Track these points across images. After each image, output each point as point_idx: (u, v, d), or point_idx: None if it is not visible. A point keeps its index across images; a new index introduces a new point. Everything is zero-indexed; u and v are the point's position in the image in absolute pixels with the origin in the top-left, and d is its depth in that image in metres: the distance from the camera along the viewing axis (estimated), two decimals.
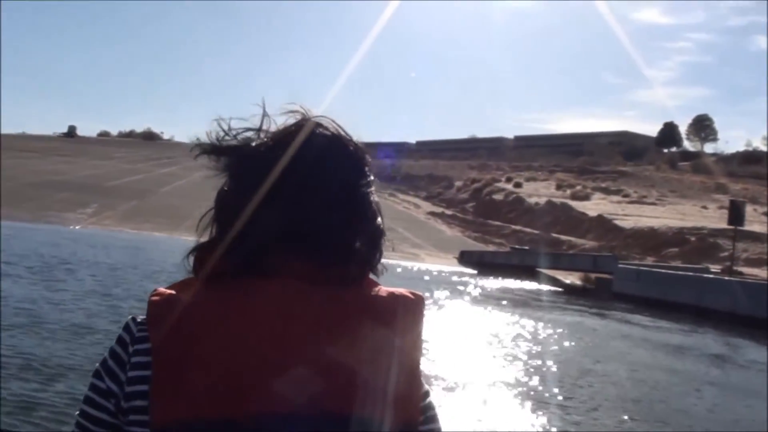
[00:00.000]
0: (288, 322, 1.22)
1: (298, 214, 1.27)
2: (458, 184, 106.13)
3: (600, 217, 74.82)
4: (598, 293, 39.94)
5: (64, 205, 63.19)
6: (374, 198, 1.37)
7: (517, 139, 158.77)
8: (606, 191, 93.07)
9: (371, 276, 1.35)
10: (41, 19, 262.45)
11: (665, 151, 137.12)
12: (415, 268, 48.78)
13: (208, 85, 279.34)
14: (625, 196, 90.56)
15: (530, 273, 47.47)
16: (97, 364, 1.31)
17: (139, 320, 1.30)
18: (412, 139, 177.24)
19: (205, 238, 1.34)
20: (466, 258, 57.08)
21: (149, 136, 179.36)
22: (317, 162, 1.31)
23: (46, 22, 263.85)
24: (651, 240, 64.56)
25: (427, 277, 42.11)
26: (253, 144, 1.34)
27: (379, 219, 1.36)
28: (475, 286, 37.86)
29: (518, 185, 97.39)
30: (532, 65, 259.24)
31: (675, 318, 29.54)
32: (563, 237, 69.50)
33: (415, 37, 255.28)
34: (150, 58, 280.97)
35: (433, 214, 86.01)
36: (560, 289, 43.64)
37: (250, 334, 1.20)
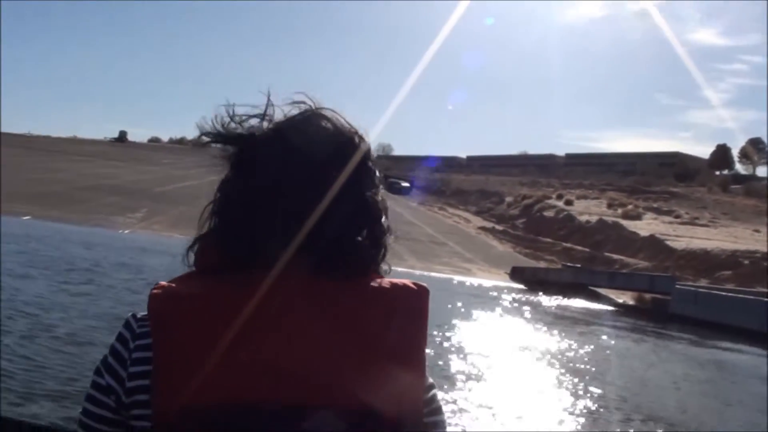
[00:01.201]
0: (289, 313, 1.23)
1: (300, 207, 1.29)
2: (509, 199, 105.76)
3: (652, 237, 74.17)
4: (654, 314, 39.70)
5: (114, 209, 64.04)
6: (378, 194, 1.41)
7: (568, 156, 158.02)
8: (658, 211, 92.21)
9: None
10: (94, 25, 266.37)
11: (717, 173, 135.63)
12: (467, 283, 48.88)
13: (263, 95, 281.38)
14: (677, 217, 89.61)
15: (582, 291, 47.31)
16: (99, 362, 1.34)
17: (139, 316, 1.32)
18: (463, 154, 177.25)
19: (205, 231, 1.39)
20: (517, 274, 56.96)
21: (200, 143, 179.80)
22: (320, 155, 1.33)
23: (100, 29, 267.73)
24: (704, 262, 63.91)
25: (477, 292, 42.15)
26: (257, 134, 1.38)
27: (382, 216, 1.42)
28: (527, 303, 37.90)
29: (569, 203, 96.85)
30: (585, 84, 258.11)
31: (738, 341, 29.35)
32: (615, 256, 69.03)
33: (470, 53, 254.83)
34: (203, 66, 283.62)
35: (483, 228, 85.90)
36: (614, 308, 43.48)
37: (251, 325, 1.21)
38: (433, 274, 53.17)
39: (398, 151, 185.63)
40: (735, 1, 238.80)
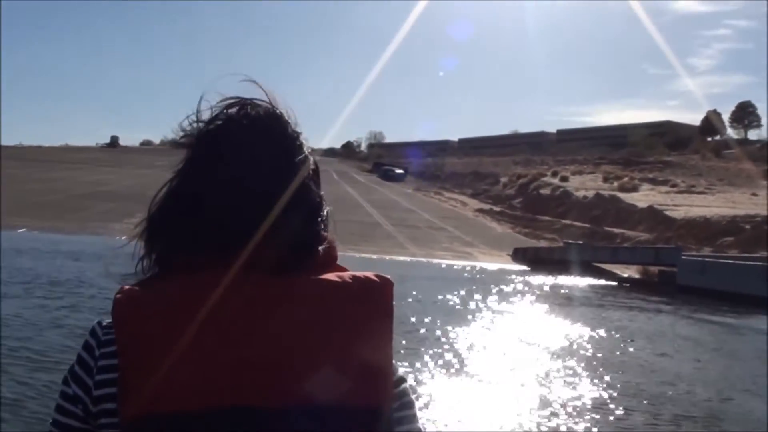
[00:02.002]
0: (252, 313, 1.21)
1: (230, 207, 1.29)
2: (504, 180, 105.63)
3: (650, 208, 74.05)
4: (661, 287, 39.44)
5: (110, 215, 63.66)
6: (310, 183, 1.39)
7: (560, 132, 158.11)
8: (653, 182, 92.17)
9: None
10: (80, 32, 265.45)
11: (709, 139, 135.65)
12: (470, 267, 48.64)
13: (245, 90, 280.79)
14: (673, 186, 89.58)
15: (586, 268, 47.08)
16: (66, 371, 1.32)
17: (105, 324, 1.31)
18: (455, 137, 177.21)
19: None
20: (520, 255, 56.74)
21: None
22: (243, 149, 1.33)
23: (86, 35, 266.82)
24: (705, 230, 63.73)
25: (481, 277, 41.88)
26: (188, 137, 1.39)
27: (317, 202, 1.39)
28: (532, 285, 37.66)
29: (564, 179, 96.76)
30: (569, 59, 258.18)
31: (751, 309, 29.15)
32: (616, 230, 68.87)
33: (450, 35, 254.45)
34: (191, 67, 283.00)
35: (481, 211, 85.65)
36: (620, 284, 43.23)
37: (216, 328, 1.20)
38: (434, 260, 53.02)
39: (390, 138, 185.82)
40: None
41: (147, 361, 1.20)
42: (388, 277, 1.35)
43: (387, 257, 53.93)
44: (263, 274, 1.25)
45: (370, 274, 1.35)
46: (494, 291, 31.83)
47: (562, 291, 35.77)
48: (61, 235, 48.03)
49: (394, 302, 1.34)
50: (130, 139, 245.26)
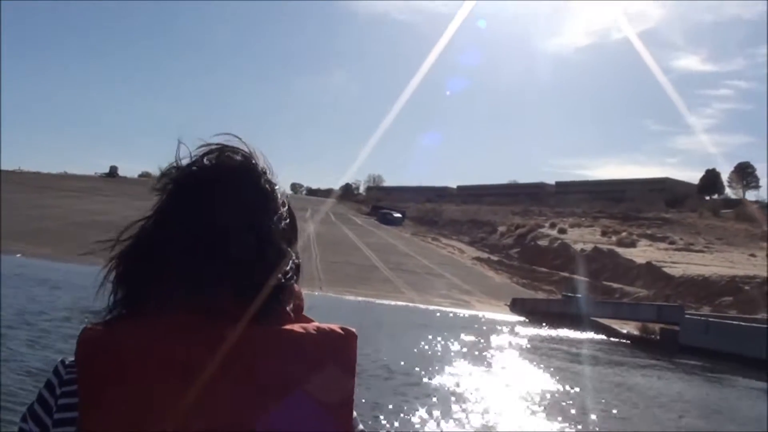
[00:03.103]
0: (210, 363, 1.20)
1: (199, 252, 1.28)
2: (502, 229, 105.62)
3: (649, 264, 73.79)
4: (663, 345, 38.98)
5: (108, 245, 63.60)
6: (281, 232, 1.37)
7: (558, 185, 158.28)
8: (652, 238, 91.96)
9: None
10: (81, 62, 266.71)
11: (707, 198, 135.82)
12: (467, 316, 48.26)
13: (245, 125, 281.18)
14: (672, 243, 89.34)
15: (585, 322, 46.67)
16: (26, 408, 1.31)
17: (67, 362, 1.31)
18: (453, 184, 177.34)
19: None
20: (518, 305, 56.35)
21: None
22: (217, 195, 1.34)
23: (87, 65, 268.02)
24: (704, 288, 63.41)
25: (479, 326, 41.42)
26: (164, 182, 1.39)
27: (288, 252, 1.36)
28: (530, 337, 37.29)
29: (563, 231, 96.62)
30: (571, 111, 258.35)
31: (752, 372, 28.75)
32: (614, 285, 68.55)
33: (454, 84, 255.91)
34: (192, 101, 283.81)
35: (479, 259, 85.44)
36: (620, 340, 42.81)
37: (174, 376, 1.18)
38: (431, 307, 52.64)
39: (389, 181, 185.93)
40: (718, 27, 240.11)
41: (107, 404, 1.20)
42: (353, 329, 1.33)
43: (384, 301, 53.57)
44: (228, 322, 1.24)
45: (335, 326, 1.33)
46: (492, 342, 31.52)
47: (561, 345, 35.35)
48: (55, 263, 47.63)
49: (357, 355, 1.32)
50: (129, 170, 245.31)
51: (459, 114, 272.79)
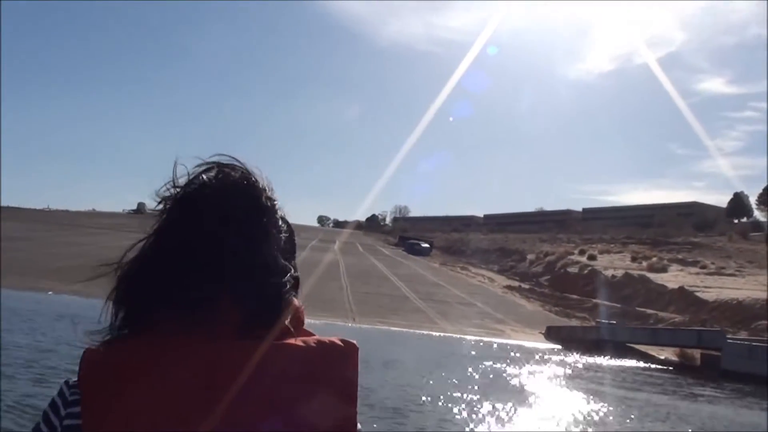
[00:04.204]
0: (213, 381, 1.21)
1: (199, 268, 1.29)
2: (531, 257, 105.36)
3: (681, 289, 73.46)
4: (705, 371, 38.60)
5: None
6: (281, 247, 1.38)
7: (585, 211, 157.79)
8: (683, 263, 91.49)
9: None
10: (109, 99, 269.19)
11: (736, 221, 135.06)
12: (504, 345, 48.04)
13: (271, 159, 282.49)
14: (703, 267, 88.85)
15: (621, 348, 46.41)
16: (31, 428, 1.31)
17: (71, 383, 1.31)
18: (479, 213, 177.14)
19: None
20: (553, 333, 56.11)
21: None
22: (216, 211, 1.34)
23: (115, 102, 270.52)
24: (738, 313, 62.97)
25: (516, 355, 41.23)
26: (164, 201, 1.39)
27: (286, 267, 1.36)
28: (568, 365, 37.07)
29: (592, 258, 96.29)
30: (596, 137, 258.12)
31: None
32: (648, 310, 68.17)
33: (478, 110, 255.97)
34: (218, 137, 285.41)
35: (510, 288, 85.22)
36: (660, 366, 42.47)
37: (178, 395, 1.20)
38: (467, 336, 52.42)
39: (415, 212, 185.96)
40: (742, 49, 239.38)
41: (110, 424, 1.21)
42: (354, 341, 1.34)
43: (418, 331, 53.46)
44: (228, 338, 1.26)
45: (335, 339, 1.33)
46: (532, 371, 31.30)
47: (601, 373, 35.15)
48: (85, 299, 47.83)
49: (358, 367, 1.32)
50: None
51: (482, 142, 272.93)
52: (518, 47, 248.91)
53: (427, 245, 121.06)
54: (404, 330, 53.24)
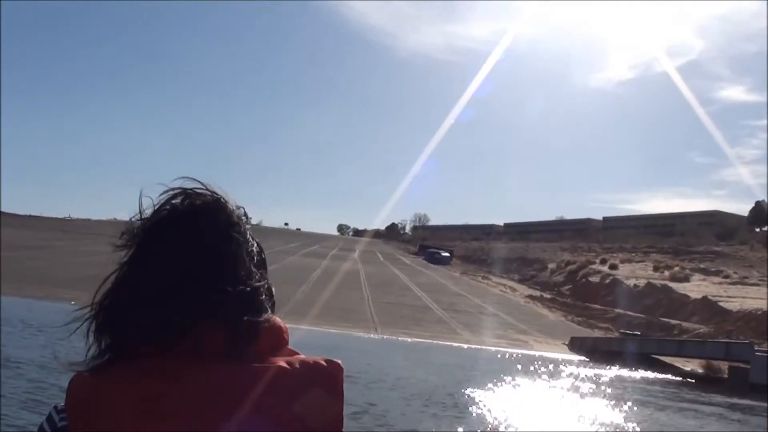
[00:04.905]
0: (195, 406, 1.22)
1: (173, 294, 1.30)
2: (552, 266, 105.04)
3: (705, 299, 72.98)
4: (732, 384, 38.27)
5: None
6: (252, 267, 1.39)
7: (606, 220, 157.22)
8: (705, 272, 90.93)
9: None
10: (129, 108, 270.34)
11: (757, 230, 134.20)
12: (528, 356, 47.90)
13: (296, 173, 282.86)
14: (726, 277, 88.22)
15: (646, 360, 46.18)
16: None
17: (60, 407, 1.32)
18: (499, 222, 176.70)
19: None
20: (577, 344, 55.89)
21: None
22: (186, 236, 1.36)
23: (136, 112, 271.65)
24: (763, 323, 62.42)
25: (541, 367, 41.05)
26: (135, 233, 1.40)
27: (261, 286, 1.39)
28: (595, 376, 36.91)
29: (614, 267, 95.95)
30: (616, 145, 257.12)
31: None
32: (672, 321, 67.79)
33: (496, 119, 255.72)
34: (240, 152, 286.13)
35: (531, 297, 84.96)
36: (685, 379, 42.21)
37: (156, 419, 1.21)
38: (490, 348, 52.29)
39: (435, 220, 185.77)
40: (762, 56, 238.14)
41: None
42: (338, 361, 1.35)
43: (440, 342, 53.38)
44: (210, 362, 1.27)
45: (319, 359, 1.34)
46: (558, 383, 31.21)
47: (629, 384, 35.03)
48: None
49: (344, 386, 1.34)
50: None
51: (501, 150, 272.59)
52: (538, 56, 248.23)
53: (447, 254, 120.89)
54: (430, 341, 53.13)
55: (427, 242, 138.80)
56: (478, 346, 53.06)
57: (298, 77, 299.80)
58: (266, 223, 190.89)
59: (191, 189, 1.42)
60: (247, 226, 1.45)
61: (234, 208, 1.44)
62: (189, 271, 1.32)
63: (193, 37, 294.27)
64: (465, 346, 53.26)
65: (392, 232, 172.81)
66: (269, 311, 1.40)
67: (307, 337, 35.12)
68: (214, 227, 1.38)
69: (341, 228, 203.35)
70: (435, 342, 53.21)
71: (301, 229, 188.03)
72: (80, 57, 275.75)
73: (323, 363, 1.33)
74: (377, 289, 78.42)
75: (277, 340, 1.37)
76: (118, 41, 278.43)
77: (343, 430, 1.32)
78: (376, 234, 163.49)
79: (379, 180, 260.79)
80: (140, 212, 1.41)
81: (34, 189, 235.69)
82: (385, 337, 54.07)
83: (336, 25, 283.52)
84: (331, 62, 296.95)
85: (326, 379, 1.31)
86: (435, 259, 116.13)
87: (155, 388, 1.23)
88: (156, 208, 1.41)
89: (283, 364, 1.30)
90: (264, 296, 1.39)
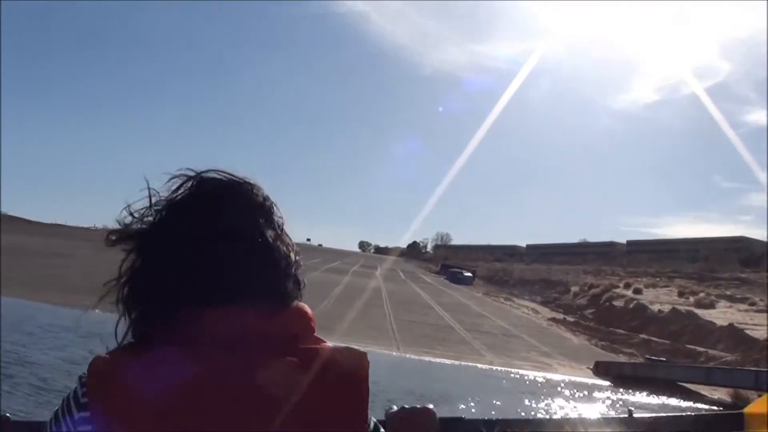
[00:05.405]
0: (221, 393, 1.22)
1: (210, 276, 1.29)
2: (575, 289, 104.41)
3: (731, 326, 72.22)
4: None
5: None
6: (281, 243, 1.39)
7: (630, 243, 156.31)
8: (731, 299, 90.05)
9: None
10: (148, 118, 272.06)
11: None
12: (552, 379, 47.54)
13: (318, 189, 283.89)
14: (752, 304, 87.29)
15: (672, 387, 45.60)
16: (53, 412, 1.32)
17: (84, 381, 1.30)
18: (522, 243, 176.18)
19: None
20: (602, 369, 55.28)
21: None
22: (211, 219, 1.34)
23: (154, 121, 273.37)
24: None
25: (566, 390, 40.60)
26: (151, 221, 1.39)
27: (291, 261, 1.39)
28: (623, 402, 36.43)
29: (638, 291, 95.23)
30: (640, 168, 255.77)
31: None
32: (699, 348, 67.07)
33: (521, 139, 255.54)
34: (262, 167, 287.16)
35: (555, 320, 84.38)
36: (716, 408, 41.54)
37: (185, 407, 1.20)
38: (513, 370, 51.87)
39: (457, 240, 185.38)
40: None
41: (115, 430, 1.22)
42: (362, 351, 1.36)
43: (464, 363, 53.01)
44: (234, 350, 1.25)
45: (343, 349, 1.34)
46: (586, 408, 30.74)
47: (657, 412, 34.39)
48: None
49: (369, 374, 1.34)
50: None
51: (525, 171, 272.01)
52: (563, 78, 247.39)
53: (469, 274, 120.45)
54: (454, 362, 52.74)
55: (449, 262, 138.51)
56: (500, 368, 52.65)
57: (322, 93, 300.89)
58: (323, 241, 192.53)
59: (202, 173, 1.41)
60: (273, 205, 1.45)
61: (260, 188, 1.44)
62: (209, 253, 1.30)
63: (228, 55, 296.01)
64: (496, 368, 52.82)
65: (414, 251, 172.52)
66: (299, 298, 1.39)
67: None
68: (241, 201, 1.38)
69: (363, 245, 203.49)
70: (461, 363, 52.85)
71: (323, 245, 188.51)
72: (113, 70, 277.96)
73: (350, 351, 1.34)
74: (398, 307, 78.13)
75: (305, 327, 1.36)
76: (153, 57, 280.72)
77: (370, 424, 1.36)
78: (399, 252, 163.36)
79: (402, 198, 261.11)
80: (150, 204, 1.40)
81: (60, 196, 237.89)
82: (407, 356, 53.73)
83: (360, 41, 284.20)
84: (353, 78, 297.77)
85: (353, 367, 1.31)
86: (457, 279, 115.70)
87: (177, 376, 1.22)
88: (174, 189, 1.41)
89: (311, 352, 1.30)
90: (301, 278, 1.40)
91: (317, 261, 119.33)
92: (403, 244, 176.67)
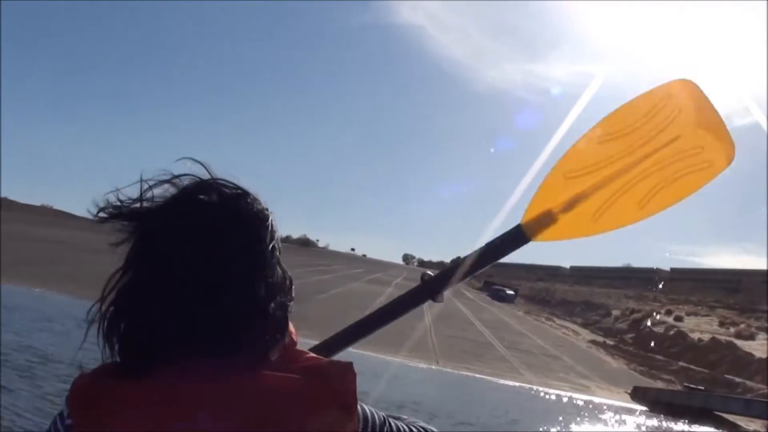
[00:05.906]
0: (200, 411, 1.17)
1: (199, 286, 1.23)
2: (616, 313, 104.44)
3: None
4: None
5: None
6: (278, 261, 1.32)
7: (674, 271, 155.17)
8: None
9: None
10: (168, 114, 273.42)
11: None
12: (589, 403, 48.01)
13: (366, 201, 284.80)
14: None
15: (709, 416, 46.00)
16: None
17: (66, 414, 1.26)
18: (566, 264, 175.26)
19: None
20: (640, 394, 55.74)
21: (305, 243, 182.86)
22: (209, 231, 1.27)
23: (169, 117, 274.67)
24: None
25: (603, 414, 41.25)
26: (152, 208, 1.33)
27: (286, 282, 1.33)
28: (657, 429, 37.03)
29: (679, 319, 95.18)
30: (691, 197, 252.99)
31: None
32: (737, 379, 67.17)
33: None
34: (312, 180, 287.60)
35: (594, 342, 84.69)
36: None
37: (158, 423, 1.16)
38: (551, 390, 52.45)
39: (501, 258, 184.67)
40: None
41: None
42: (349, 362, 1.30)
43: (505, 382, 53.64)
44: (219, 368, 1.21)
45: (328, 363, 1.30)
46: None
47: None
48: None
49: (355, 387, 1.29)
50: None
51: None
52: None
53: (512, 292, 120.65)
54: (490, 378, 53.49)
55: (492, 279, 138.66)
56: (538, 387, 53.29)
57: (373, 108, 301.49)
58: (333, 247, 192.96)
59: (200, 180, 1.35)
60: (269, 213, 1.35)
61: (258, 200, 1.35)
62: (188, 272, 1.24)
63: (281, 70, 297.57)
64: (526, 386, 53.46)
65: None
66: (288, 309, 1.33)
67: (378, 365, 35.63)
68: (239, 215, 1.30)
69: (406, 257, 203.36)
70: (497, 380, 53.49)
71: (367, 256, 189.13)
72: (133, 71, 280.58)
73: (333, 365, 1.29)
74: (439, 322, 78.62)
75: (288, 340, 1.33)
76: (185, 64, 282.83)
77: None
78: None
79: (448, 213, 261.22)
80: (140, 197, 1.36)
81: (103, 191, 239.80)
82: (446, 370, 54.50)
83: (414, 58, 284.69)
84: (406, 94, 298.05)
85: (336, 380, 1.26)
86: (499, 297, 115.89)
87: (160, 396, 1.19)
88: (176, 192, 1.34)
89: (293, 365, 1.27)
90: (290, 291, 1.35)
91: (360, 271, 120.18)
92: (447, 258, 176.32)
